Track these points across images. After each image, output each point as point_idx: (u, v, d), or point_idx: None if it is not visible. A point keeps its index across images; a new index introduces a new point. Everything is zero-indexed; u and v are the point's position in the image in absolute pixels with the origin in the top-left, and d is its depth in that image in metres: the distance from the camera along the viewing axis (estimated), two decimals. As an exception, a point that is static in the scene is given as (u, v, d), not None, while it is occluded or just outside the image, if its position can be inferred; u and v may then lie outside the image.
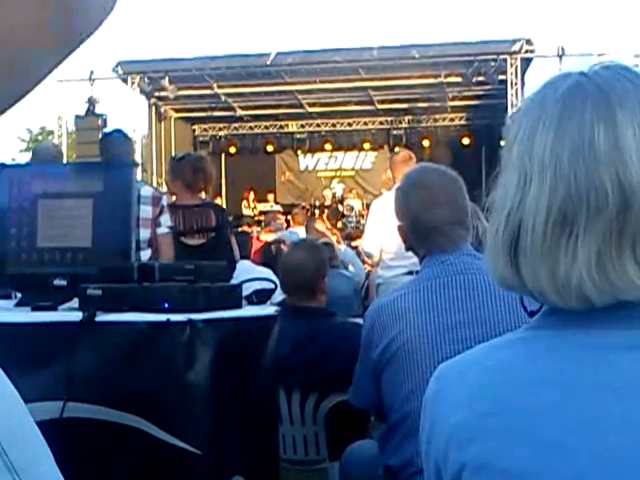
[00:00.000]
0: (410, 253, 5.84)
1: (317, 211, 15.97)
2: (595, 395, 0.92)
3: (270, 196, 18.01)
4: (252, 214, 16.30)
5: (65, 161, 11.70)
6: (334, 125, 19.14)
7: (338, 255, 6.68)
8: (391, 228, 5.71)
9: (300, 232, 9.71)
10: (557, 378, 0.95)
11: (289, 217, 12.35)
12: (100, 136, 12.35)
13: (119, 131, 5.64)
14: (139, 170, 13.26)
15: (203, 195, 5.73)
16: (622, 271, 0.91)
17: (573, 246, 0.92)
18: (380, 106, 17.93)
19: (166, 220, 5.08)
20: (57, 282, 2.47)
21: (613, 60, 1.01)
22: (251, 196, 17.20)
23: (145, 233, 4.84)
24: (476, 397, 0.99)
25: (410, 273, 5.65)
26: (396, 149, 18.77)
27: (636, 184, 0.90)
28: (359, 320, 3.86)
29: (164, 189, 15.15)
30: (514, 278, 0.98)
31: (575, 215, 0.92)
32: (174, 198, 5.81)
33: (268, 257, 7.73)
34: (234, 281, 2.79)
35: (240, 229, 10.98)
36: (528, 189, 0.96)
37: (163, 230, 5.07)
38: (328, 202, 16.72)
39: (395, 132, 18.97)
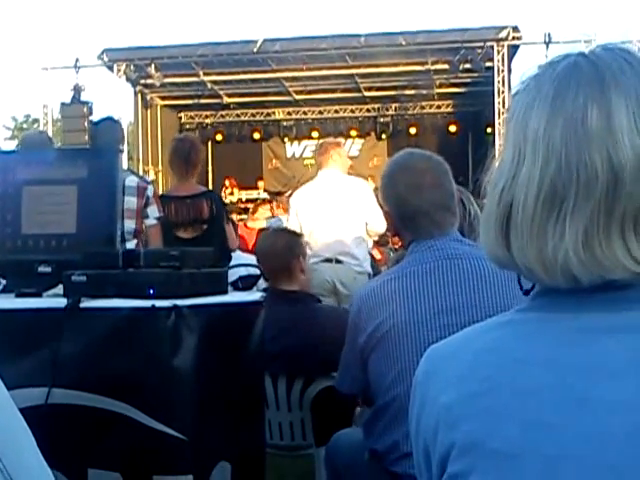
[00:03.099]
0: (327, 241, 5.88)
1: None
2: (585, 376, 0.92)
3: (260, 183, 17.95)
4: (230, 201, 16.17)
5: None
6: (321, 112, 19.11)
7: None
8: (310, 219, 5.80)
9: (284, 219, 9.70)
10: (547, 359, 0.95)
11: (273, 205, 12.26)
12: (86, 124, 12.31)
13: (109, 118, 5.60)
14: (125, 158, 13.21)
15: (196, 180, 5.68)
16: (609, 250, 0.91)
17: (562, 224, 0.93)
18: (367, 93, 17.92)
19: (153, 211, 5.04)
20: (42, 268, 2.46)
21: (616, 43, 1.01)
22: (227, 183, 17.01)
23: (130, 224, 4.80)
24: (465, 377, 1.00)
25: (329, 260, 5.67)
26: (383, 136, 18.88)
27: (626, 164, 0.91)
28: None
29: (151, 177, 15.16)
30: (504, 254, 0.99)
31: (565, 192, 0.92)
32: (164, 186, 5.80)
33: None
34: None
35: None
36: (521, 166, 0.97)
37: (151, 222, 5.03)
38: None
39: (382, 119, 18.95)
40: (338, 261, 5.64)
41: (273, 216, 10.68)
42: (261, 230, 8.65)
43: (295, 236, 3.74)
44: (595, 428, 0.89)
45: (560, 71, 0.98)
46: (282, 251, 3.48)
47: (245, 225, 9.76)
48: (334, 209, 5.65)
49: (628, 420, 0.88)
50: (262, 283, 3.77)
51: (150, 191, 5.11)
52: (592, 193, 0.91)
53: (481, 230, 1.04)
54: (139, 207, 4.92)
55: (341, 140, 7.39)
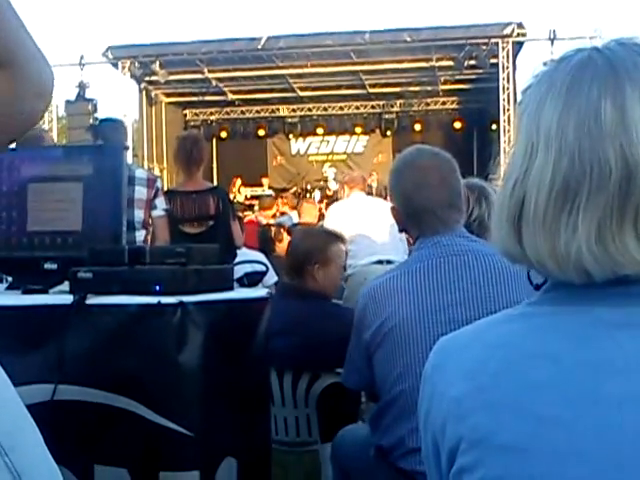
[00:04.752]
0: (374, 246, 6.08)
1: (308, 195, 15.94)
2: (595, 371, 0.91)
3: (265, 180, 17.94)
4: (239, 200, 16.17)
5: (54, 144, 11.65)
6: (326, 109, 19.10)
7: None
8: (354, 229, 5.99)
9: (293, 216, 9.69)
10: (556, 354, 0.94)
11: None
12: (91, 121, 12.32)
13: (113, 120, 5.63)
14: (130, 154, 13.21)
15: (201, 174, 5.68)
16: (622, 245, 0.90)
17: (574, 218, 0.92)
18: (372, 90, 17.90)
19: (161, 202, 5.09)
20: (48, 265, 2.46)
21: (630, 37, 1.00)
22: (238, 182, 17.02)
23: (140, 214, 4.86)
24: (474, 371, 0.99)
25: (380, 262, 5.77)
26: (387, 133, 18.88)
27: None
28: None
29: (156, 172, 15.18)
30: (516, 248, 0.99)
31: (578, 187, 0.92)
32: (169, 183, 5.83)
33: (264, 240, 7.66)
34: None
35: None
36: (534, 160, 0.96)
37: (159, 212, 5.07)
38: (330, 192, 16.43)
39: (387, 116, 18.95)
40: (389, 262, 5.81)
41: (282, 213, 10.59)
42: (267, 225, 8.61)
43: (324, 240, 3.60)
44: (605, 423, 0.89)
45: (573, 65, 0.98)
46: (300, 255, 3.47)
47: (256, 219, 9.62)
48: (373, 219, 6.07)
49: (638, 415, 0.88)
50: (268, 279, 3.77)
51: (159, 183, 5.18)
52: (605, 188, 0.91)
53: (493, 225, 1.03)
54: (149, 198, 4.97)
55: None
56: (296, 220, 8.92)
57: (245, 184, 17.24)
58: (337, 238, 3.68)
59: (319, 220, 8.86)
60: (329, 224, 6.30)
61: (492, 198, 3.22)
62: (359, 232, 6.07)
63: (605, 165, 0.90)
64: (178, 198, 5.44)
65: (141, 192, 4.86)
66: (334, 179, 16.69)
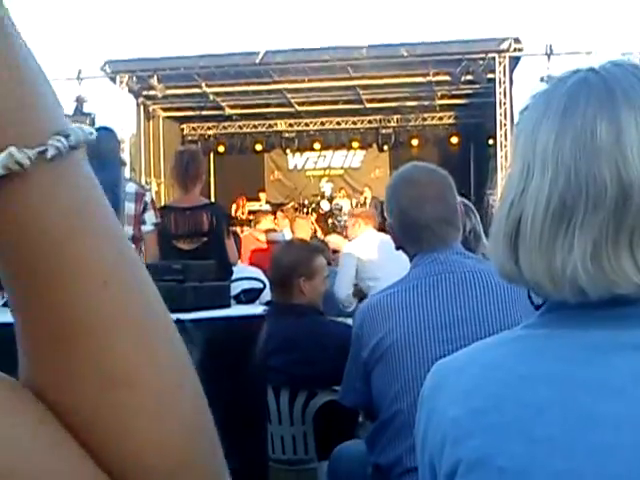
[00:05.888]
0: (396, 274, 6.28)
1: (305, 210, 15.98)
2: (590, 393, 0.92)
3: (262, 195, 17.95)
4: (243, 217, 16.21)
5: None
6: (323, 124, 19.12)
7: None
8: (375, 261, 6.21)
9: (287, 232, 9.67)
10: (553, 375, 0.95)
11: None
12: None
13: (105, 128, 5.61)
14: (127, 169, 13.20)
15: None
16: (617, 265, 0.91)
17: (570, 238, 0.92)
18: (369, 105, 17.92)
19: (150, 217, 5.06)
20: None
21: (625, 57, 1.01)
22: (241, 202, 17.09)
23: (128, 230, 4.84)
24: (472, 393, 0.99)
25: None
26: (384, 148, 18.92)
27: (635, 179, 0.90)
28: (350, 320, 3.90)
29: (153, 189, 15.19)
30: (512, 268, 0.99)
31: (574, 206, 0.92)
32: (167, 198, 5.79)
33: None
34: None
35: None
36: (530, 180, 0.97)
37: (148, 228, 5.06)
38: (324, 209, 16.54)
39: (384, 131, 18.97)
40: None
41: (275, 230, 10.53)
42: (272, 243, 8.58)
43: (308, 253, 3.60)
44: (601, 444, 0.89)
45: (570, 86, 0.98)
46: (284, 268, 3.46)
47: (256, 238, 9.57)
48: (391, 252, 6.19)
49: (634, 436, 0.88)
50: (266, 295, 3.76)
51: (148, 197, 5.15)
52: (601, 207, 0.91)
53: (489, 244, 1.04)
54: (137, 213, 4.95)
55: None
56: (289, 236, 8.89)
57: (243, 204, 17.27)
58: (319, 250, 3.71)
59: (313, 236, 8.86)
60: (343, 274, 6.42)
61: (476, 213, 3.32)
62: (381, 263, 6.27)
63: (601, 184, 0.91)
64: (172, 214, 5.40)
65: (129, 208, 4.85)
66: (328, 196, 16.78)
